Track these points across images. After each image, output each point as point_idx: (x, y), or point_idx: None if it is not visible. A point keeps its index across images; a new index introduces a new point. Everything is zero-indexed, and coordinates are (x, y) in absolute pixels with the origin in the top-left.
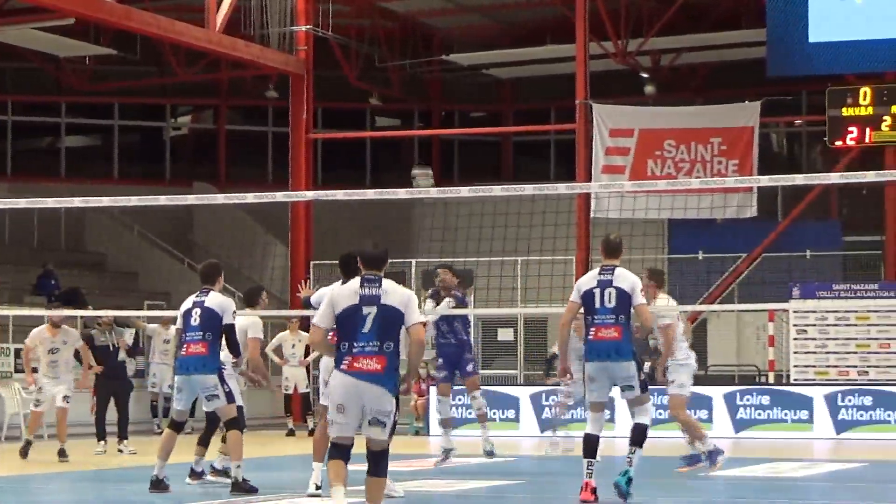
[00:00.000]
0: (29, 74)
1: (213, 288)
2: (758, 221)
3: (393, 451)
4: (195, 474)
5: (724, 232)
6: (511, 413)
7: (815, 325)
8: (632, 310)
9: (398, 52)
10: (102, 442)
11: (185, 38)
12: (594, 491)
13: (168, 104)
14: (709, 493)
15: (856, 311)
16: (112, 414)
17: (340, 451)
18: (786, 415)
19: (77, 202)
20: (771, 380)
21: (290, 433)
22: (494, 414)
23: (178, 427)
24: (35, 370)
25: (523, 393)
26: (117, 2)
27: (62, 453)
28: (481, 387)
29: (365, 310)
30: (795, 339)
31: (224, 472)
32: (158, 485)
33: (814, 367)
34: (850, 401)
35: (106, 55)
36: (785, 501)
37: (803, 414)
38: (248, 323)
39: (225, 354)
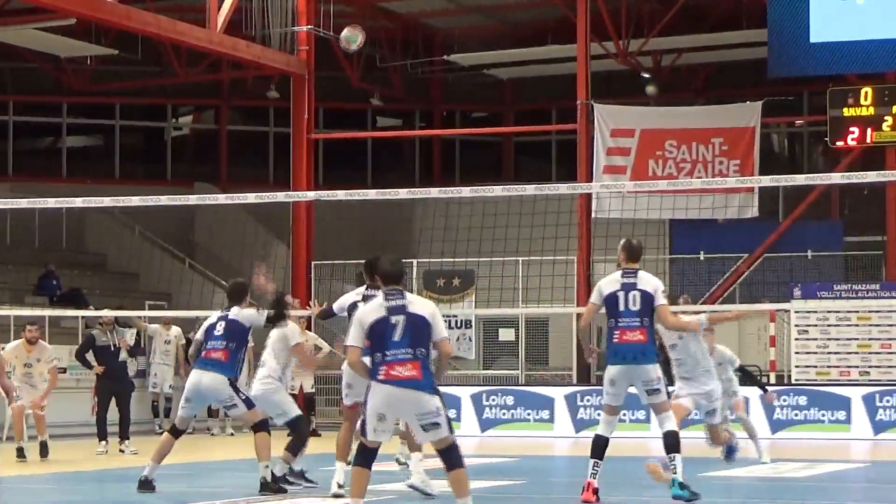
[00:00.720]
0: (30, 75)
1: (239, 305)
2: (759, 222)
3: (389, 451)
4: (296, 474)
5: (725, 232)
6: (546, 414)
7: (816, 325)
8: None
9: (399, 52)
10: (104, 442)
11: (186, 39)
12: (596, 492)
13: (169, 104)
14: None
15: (857, 312)
16: (113, 414)
17: (368, 456)
18: (823, 415)
19: (78, 202)
20: (772, 380)
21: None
22: (529, 414)
23: (177, 433)
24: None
25: (558, 393)
26: (118, 2)
27: (21, 452)
28: (497, 386)
29: (394, 319)
30: (797, 339)
31: (301, 475)
32: (146, 485)
33: (815, 367)
34: (888, 401)
35: (107, 55)
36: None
37: (840, 415)
38: (285, 332)
39: (271, 366)
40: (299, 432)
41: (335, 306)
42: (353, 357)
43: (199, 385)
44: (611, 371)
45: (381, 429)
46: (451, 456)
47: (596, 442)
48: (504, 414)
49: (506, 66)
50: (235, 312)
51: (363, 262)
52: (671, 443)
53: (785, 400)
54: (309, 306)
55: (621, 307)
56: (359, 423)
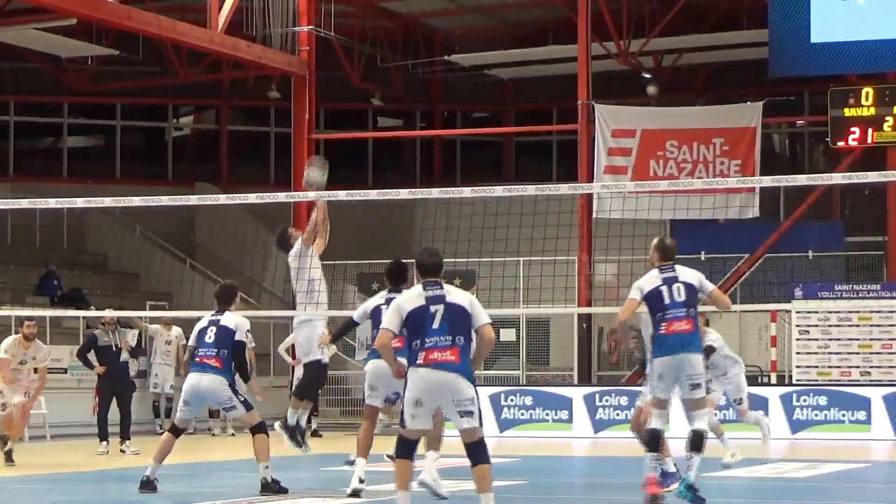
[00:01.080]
0: (31, 75)
1: (229, 308)
2: (760, 222)
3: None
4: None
5: (726, 232)
6: (564, 414)
7: (817, 325)
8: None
9: (400, 52)
10: (105, 442)
11: (187, 39)
12: (658, 483)
13: (170, 104)
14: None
15: (858, 312)
16: (114, 414)
17: (409, 447)
18: (843, 416)
19: (79, 202)
20: (773, 380)
21: None
22: (547, 414)
23: (177, 432)
24: None
25: (577, 393)
26: (119, 2)
27: (9, 456)
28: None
29: (433, 308)
30: (798, 339)
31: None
32: (148, 485)
33: (816, 367)
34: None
35: (108, 55)
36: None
37: (861, 415)
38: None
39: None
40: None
41: (356, 315)
42: (384, 339)
43: (199, 387)
44: (658, 365)
45: (419, 414)
46: (478, 451)
47: (652, 435)
48: (522, 414)
49: (507, 66)
50: (227, 319)
51: (364, 262)
52: (696, 442)
53: (805, 400)
54: (321, 345)
55: (666, 300)
56: (398, 416)
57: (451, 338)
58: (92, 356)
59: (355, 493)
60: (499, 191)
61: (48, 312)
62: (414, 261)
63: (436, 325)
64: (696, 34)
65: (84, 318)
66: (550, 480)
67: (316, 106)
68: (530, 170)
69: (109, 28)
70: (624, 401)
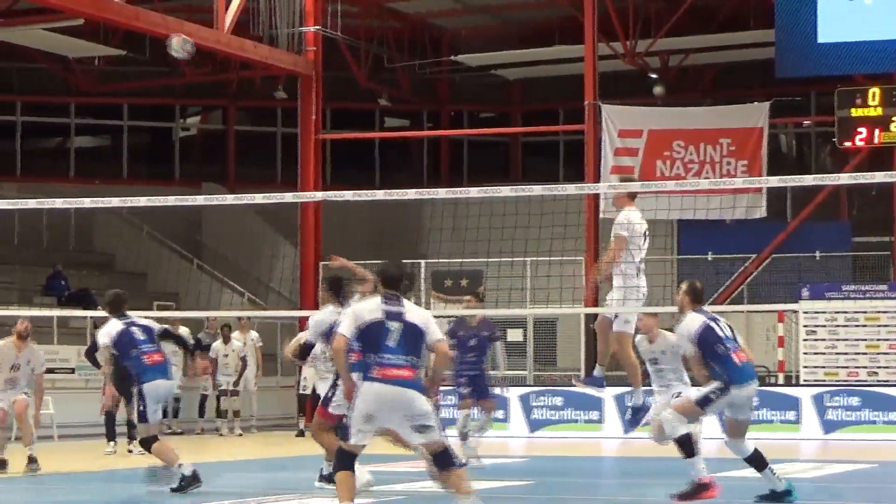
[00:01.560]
0: (38, 75)
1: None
2: (767, 222)
3: (400, 452)
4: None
5: (733, 233)
6: (594, 414)
7: (824, 325)
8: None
9: (407, 52)
10: (112, 442)
11: (193, 39)
12: (716, 484)
13: (177, 105)
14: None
15: (865, 312)
16: (122, 415)
17: (350, 460)
18: (875, 416)
19: (86, 202)
20: (780, 381)
21: (300, 434)
22: (577, 415)
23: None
24: None
25: (607, 394)
26: (126, 2)
27: (32, 460)
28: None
29: (389, 324)
30: (805, 339)
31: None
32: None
33: (823, 367)
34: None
35: (115, 56)
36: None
37: (893, 416)
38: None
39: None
40: None
41: (310, 336)
42: (340, 343)
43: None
44: (736, 392)
45: (366, 430)
46: (445, 459)
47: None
48: (553, 415)
49: (513, 66)
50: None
51: (371, 262)
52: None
53: (837, 401)
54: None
55: (720, 334)
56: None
57: (405, 357)
58: (99, 355)
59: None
60: (506, 191)
61: (55, 312)
62: (422, 261)
63: (392, 343)
64: (702, 34)
65: (91, 318)
66: (558, 481)
67: (323, 106)
68: (537, 170)
69: (116, 28)
70: (856, 401)
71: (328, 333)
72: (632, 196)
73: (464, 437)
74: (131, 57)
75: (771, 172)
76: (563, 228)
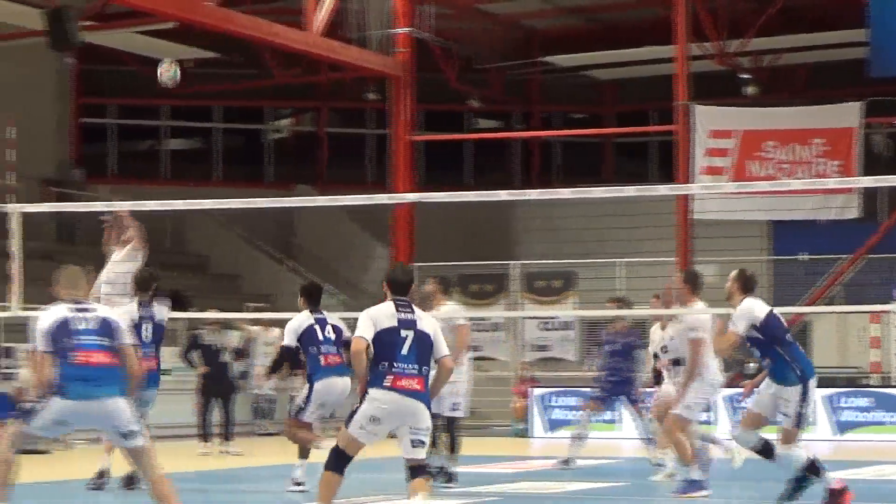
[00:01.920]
0: (130, 78)
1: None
2: (860, 222)
3: (494, 453)
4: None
5: (826, 233)
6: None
7: None
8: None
9: (498, 53)
10: (206, 443)
11: (284, 41)
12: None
13: (268, 107)
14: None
15: None
16: (216, 416)
17: (344, 462)
18: (892, 417)
19: (179, 204)
20: (875, 382)
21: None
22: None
23: None
24: None
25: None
26: (217, 5)
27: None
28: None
29: (403, 332)
30: None
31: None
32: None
33: None
34: None
35: (206, 58)
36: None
37: None
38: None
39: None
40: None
41: (288, 341)
42: (359, 345)
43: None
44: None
45: (371, 431)
46: (420, 470)
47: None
48: None
49: (604, 67)
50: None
51: (463, 264)
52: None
53: (851, 402)
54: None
55: (786, 326)
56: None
57: (417, 367)
58: (196, 356)
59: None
60: (597, 192)
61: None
62: (514, 263)
63: (405, 352)
64: (794, 34)
65: (186, 319)
66: (649, 483)
67: (413, 107)
68: (628, 171)
69: (208, 31)
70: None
71: (302, 338)
72: (695, 289)
73: (579, 438)
74: (222, 59)
75: (864, 172)
76: (655, 229)
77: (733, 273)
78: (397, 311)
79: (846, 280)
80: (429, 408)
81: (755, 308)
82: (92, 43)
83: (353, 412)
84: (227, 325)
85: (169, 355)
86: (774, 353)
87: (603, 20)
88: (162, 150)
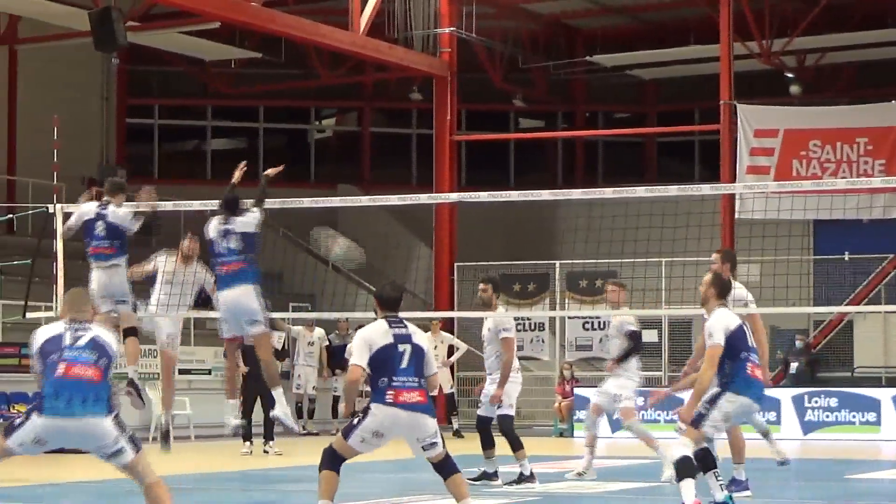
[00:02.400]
0: (175, 78)
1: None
2: None
3: (536, 453)
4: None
5: (870, 232)
6: (872, 416)
7: None
8: None
9: (542, 53)
10: (248, 443)
11: (329, 41)
12: None
13: (313, 107)
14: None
15: None
16: (259, 415)
17: (338, 462)
18: None
19: None
20: None
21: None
22: (854, 417)
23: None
24: None
25: (885, 395)
26: (262, 5)
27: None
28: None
29: (401, 347)
30: None
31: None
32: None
33: None
34: None
35: (251, 58)
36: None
37: None
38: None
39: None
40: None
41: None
42: (355, 375)
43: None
44: (735, 402)
45: (372, 443)
46: (447, 465)
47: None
48: None
49: (648, 66)
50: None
51: (506, 263)
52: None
53: None
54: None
55: (749, 343)
56: (346, 430)
57: (417, 379)
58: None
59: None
60: (641, 191)
61: (192, 314)
62: (556, 262)
63: (404, 365)
64: (839, 33)
65: None
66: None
67: (457, 107)
68: (672, 170)
69: (252, 31)
70: (834, 402)
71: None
72: (723, 293)
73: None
74: (267, 59)
75: None
76: (699, 229)
77: (708, 277)
78: (390, 327)
79: (890, 279)
80: (432, 415)
81: (730, 320)
82: (137, 44)
83: (354, 425)
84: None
85: (212, 356)
86: (721, 365)
87: (647, 19)
88: (206, 150)
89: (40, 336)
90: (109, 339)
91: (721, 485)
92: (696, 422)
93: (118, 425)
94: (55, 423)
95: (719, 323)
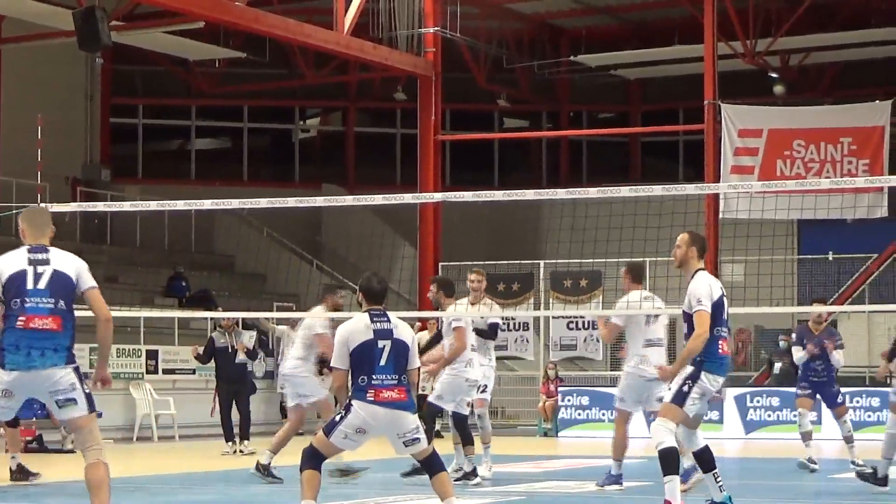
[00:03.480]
0: (159, 78)
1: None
2: (888, 221)
3: (521, 452)
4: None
5: (854, 232)
6: (714, 415)
7: None
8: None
9: (526, 53)
10: (230, 443)
11: (313, 41)
12: None
13: (297, 106)
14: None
15: None
16: (235, 416)
17: (319, 461)
18: None
19: (207, 204)
20: None
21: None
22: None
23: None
24: None
25: (728, 395)
26: (246, 5)
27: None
28: None
29: (380, 343)
30: None
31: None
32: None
33: None
34: None
35: (235, 58)
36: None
37: None
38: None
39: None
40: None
41: None
42: (339, 381)
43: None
44: (715, 383)
45: (356, 440)
46: (433, 463)
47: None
48: None
49: (632, 66)
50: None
51: (490, 263)
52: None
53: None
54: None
55: (725, 316)
56: (326, 428)
57: (396, 376)
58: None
59: None
60: (625, 191)
61: (176, 314)
62: (541, 262)
63: (383, 362)
64: (822, 33)
65: (212, 319)
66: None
67: (442, 107)
68: (657, 170)
69: (237, 31)
70: (776, 402)
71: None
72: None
73: (805, 437)
74: (251, 59)
75: (892, 172)
76: (683, 229)
77: (685, 236)
78: (372, 321)
79: (874, 279)
80: (413, 412)
81: (714, 286)
82: (121, 43)
83: (336, 422)
84: (246, 324)
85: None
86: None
87: (631, 19)
88: (190, 149)
89: (4, 269)
90: (69, 267)
91: (720, 485)
92: (680, 399)
93: (78, 377)
94: (19, 376)
95: (704, 289)
